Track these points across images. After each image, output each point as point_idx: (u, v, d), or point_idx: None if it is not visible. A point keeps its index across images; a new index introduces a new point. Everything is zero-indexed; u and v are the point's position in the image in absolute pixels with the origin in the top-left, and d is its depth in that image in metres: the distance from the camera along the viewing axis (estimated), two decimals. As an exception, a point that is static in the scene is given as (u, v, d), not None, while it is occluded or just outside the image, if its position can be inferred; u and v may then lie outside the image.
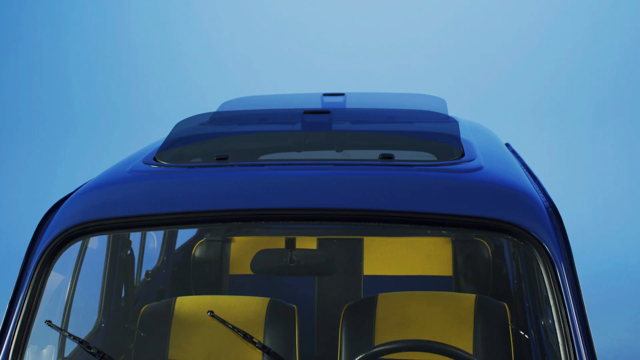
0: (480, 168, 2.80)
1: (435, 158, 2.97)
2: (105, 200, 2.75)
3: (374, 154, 2.93)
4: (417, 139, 3.38)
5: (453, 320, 3.11)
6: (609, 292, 7.89)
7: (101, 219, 2.64)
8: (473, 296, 3.21)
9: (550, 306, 2.42)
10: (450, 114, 4.33)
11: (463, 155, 2.95)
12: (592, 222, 9.53)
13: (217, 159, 2.93)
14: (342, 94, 4.05)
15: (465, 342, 3.03)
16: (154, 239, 4.42)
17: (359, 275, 4.37)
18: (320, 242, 4.43)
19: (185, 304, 3.24)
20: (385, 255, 4.38)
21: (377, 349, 2.65)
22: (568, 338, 2.37)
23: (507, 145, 4.01)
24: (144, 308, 3.34)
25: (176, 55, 10.95)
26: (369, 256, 4.39)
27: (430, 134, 3.41)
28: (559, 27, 10.48)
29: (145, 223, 2.66)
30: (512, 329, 3.11)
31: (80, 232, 2.65)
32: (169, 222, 2.65)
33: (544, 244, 2.47)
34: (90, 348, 2.62)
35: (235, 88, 9.74)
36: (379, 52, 10.60)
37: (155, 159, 3.03)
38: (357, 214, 2.55)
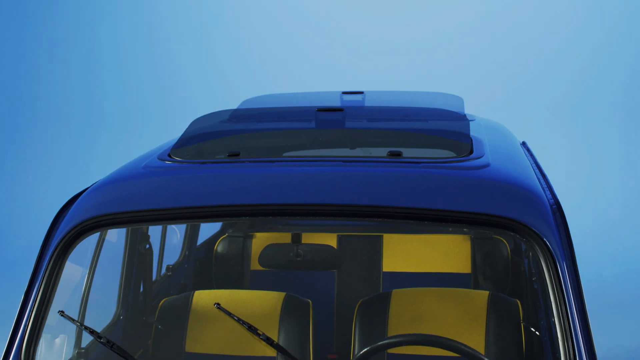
0: (486, 165, 2.82)
1: (443, 155, 2.99)
2: (118, 195, 2.82)
3: (383, 152, 2.96)
4: (427, 137, 3.41)
5: (466, 316, 3.13)
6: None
7: (113, 213, 2.72)
8: (486, 293, 3.22)
9: (551, 302, 2.43)
10: (469, 111, 4.33)
11: (471, 152, 2.97)
12: (618, 220, 9.48)
13: (228, 155, 2.99)
14: (361, 92, 4.08)
15: (477, 339, 3.05)
16: (177, 233, 4.51)
17: (378, 271, 4.40)
18: (340, 239, 4.48)
19: (203, 297, 3.30)
20: (404, 252, 4.41)
21: (381, 343, 2.69)
22: (568, 335, 2.39)
23: (524, 143, 4.01)
24: (162, 301, 3.41)
25: (207, 53, 11.04)
26: (388, 253, 4.42)
27: (440, 131, 3.43)
28: (584, 25, 10.40)
29: (155, 217, 2.73)
30: (523, 326, 3.12)
31: (93, 225, 2.73)
32: (178, 216, 2.72)
33: (545, 240, 2.49)
34: (101, 338, 2.69)
35: (265, 85, 9.81)
36: (408, 49, 10.60)
37: (169, 156, 3.10)
38: (360, 209, 2.59)
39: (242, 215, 2.67)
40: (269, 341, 2.65)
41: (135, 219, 2.75)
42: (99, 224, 2.73)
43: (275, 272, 4.41)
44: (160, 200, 2.72)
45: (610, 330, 6.67)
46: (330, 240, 4.47)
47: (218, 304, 2.95)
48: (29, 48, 11.36)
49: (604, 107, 10.31)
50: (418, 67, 10.46)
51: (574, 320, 2.41)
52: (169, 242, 4.31)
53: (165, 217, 2.72)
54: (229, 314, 2.86)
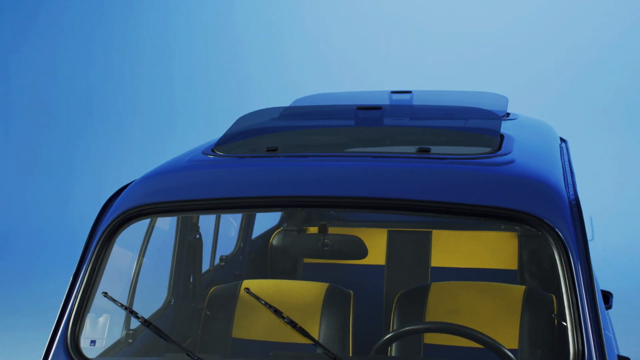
0: (510, 162, 2.89)
1: (471, 152, 3.07)
2: (162, 186, 3.02)
3: (414, 148, 3.08)
4: (458, 134, 3.49)
5: (501, 310, 3.20)
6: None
7: (156, 202, 2.92)
8: (522, 288, 3.29)
9: (562, 294, 2.50)
10: (521, 110, 4.36)
11: (499, 149, 3.06)
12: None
13: (267, 151, 3.16)
14: (410, 92, 4.18)
15: (511, 332, 3.12)
16: (234, 225, 4.71)
17: (426, 266, 4.50)
18: (389, 234, 4.60)
19: (251, 286, 3.47)
20: (452, 248, 4.49)
21: (401, 330, 2.81)
22: (577, 327, 2.46)
23: (564, 141, 4.04)
24: (212, 289, 3.60)
25: (278, 53, 11.20)
26: (437, 248, 4.51)
27: (472, 129, 3.51)
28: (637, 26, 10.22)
29: (194, 207, 2.92)
30: (556, 320, 3.17)
31: (137, 213, 2.93)
32: (215, 206, 2.90)
33: (559, 233, 2.55)
34: (139, 317, 2.89)
35: (333, 83, 9.95)
36: (471, 46, 10.60)
37: (213, 150, 3.29)
38: (384, 202, 2.72)
39: (272, 206, 2.85)
40: (292, 324, 2.79)
41: (176, 209, 2.94)
42: (142, 212, 2.93)
43: (327, 265, 4.55)
44: (198, 192, 2.91)
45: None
46: (380, 235, 4.59)
47: (248, 288, 3.12)
48: (102, 46, 11.72)
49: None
50: (478, 65, 10.46)
51: (584, 314, 2.47)
52: (225, 234, 4.52)
53: (204, 207, 2.91)
54: (257, 298, 3.02)
